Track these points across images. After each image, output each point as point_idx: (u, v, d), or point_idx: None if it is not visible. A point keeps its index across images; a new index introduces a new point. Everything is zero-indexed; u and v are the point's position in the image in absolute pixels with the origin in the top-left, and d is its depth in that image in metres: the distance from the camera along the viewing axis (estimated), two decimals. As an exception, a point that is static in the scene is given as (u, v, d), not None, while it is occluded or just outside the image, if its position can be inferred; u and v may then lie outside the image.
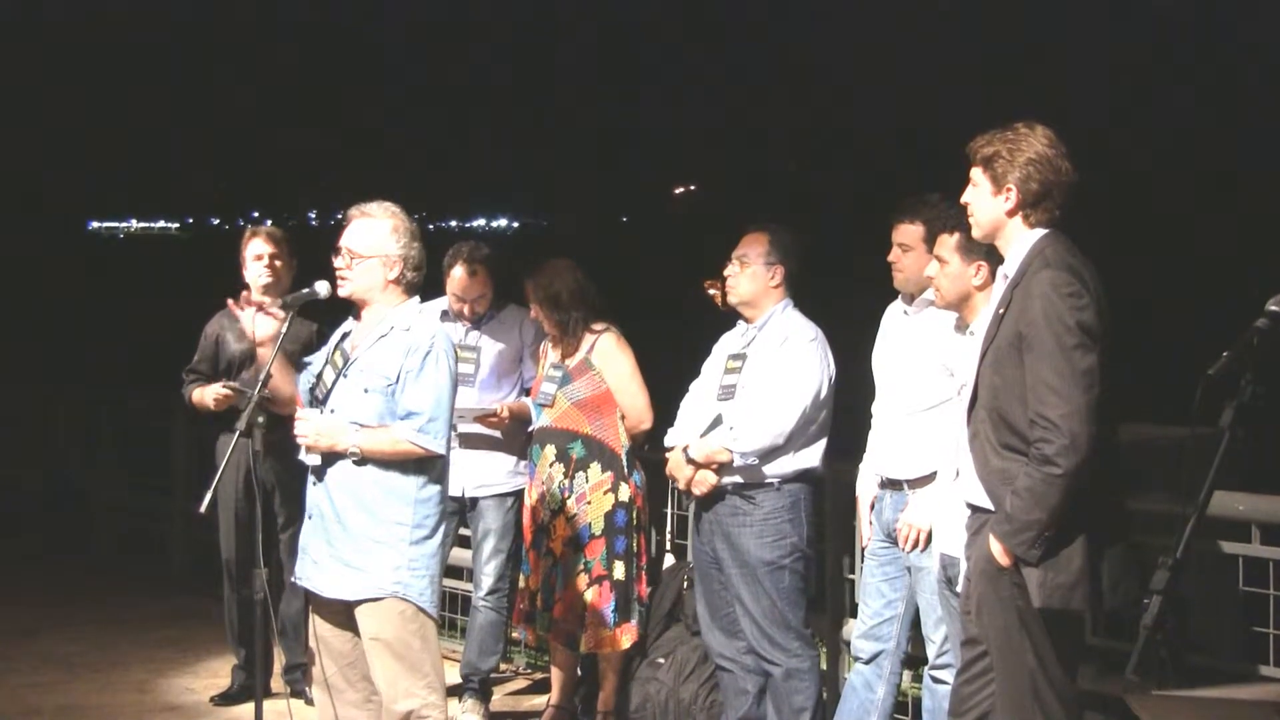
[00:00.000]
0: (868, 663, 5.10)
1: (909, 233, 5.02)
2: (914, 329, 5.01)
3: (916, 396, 4.90)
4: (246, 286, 6.28)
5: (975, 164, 4.00)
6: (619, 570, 5.75)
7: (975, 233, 4.08)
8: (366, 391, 4.52)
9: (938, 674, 4.84)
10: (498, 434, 6.09)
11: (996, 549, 3.78)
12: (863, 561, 5.29)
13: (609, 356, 5.81)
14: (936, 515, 4.58)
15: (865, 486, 5.18)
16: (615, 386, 5.79)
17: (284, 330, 4.67)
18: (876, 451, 5.12)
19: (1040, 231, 3.92)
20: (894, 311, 5.18)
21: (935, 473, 4.70)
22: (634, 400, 5.81)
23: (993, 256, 4.30)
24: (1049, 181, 3.90)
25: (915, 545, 4.81)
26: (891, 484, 5.01)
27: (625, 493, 5.78)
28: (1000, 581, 3.82)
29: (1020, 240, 3.94)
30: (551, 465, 5.80)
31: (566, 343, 5.82)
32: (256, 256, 6.22)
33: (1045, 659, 3.81)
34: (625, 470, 5.79)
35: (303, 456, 4.60)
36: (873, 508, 5.13)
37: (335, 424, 4.52)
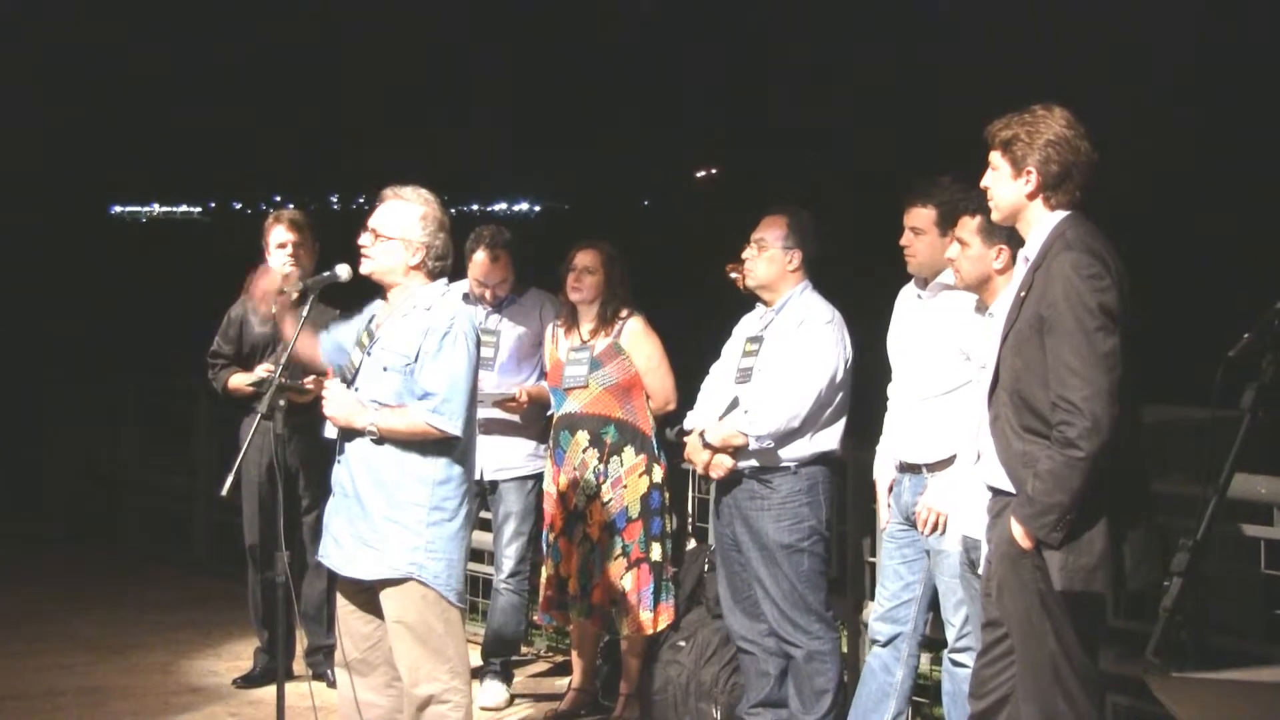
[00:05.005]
0: (885, 645, 5.10)
1: (921, 216, 5.01)
2: (928, 313, 5.00)
3: (932, 381, 4.89)
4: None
5: (994, 148, 3.98)
6: (656, 552, 5.77)
7: (995, 216, 4.07)
8: (386, 370, 4.53)
9: (957, 657, 4.84)
10: (516, 418, 6.10)
11: (1018, 531, 3.78)
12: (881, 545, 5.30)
13: (638, 340, 5.81)
14: (957, 498, 4.58)
15: (883, 470, 5.18)
16: (644, 369, 5.79)
17: (305, 314, 4.69)
18: (893, 435, 5.12)
19: (1061, 214, 3.90)
20: (907, 295, 5.16)
21: (953, 456, 4.69)
22: (662, 383, 5.82)
23: (1014, 240, 4.29)
24: (1069, 163, 3.88)
25: (934, 529, 4.81)
26: (910, 468, 5.01)
27: (658, 474, 5.80)
28: (1021, 564, 3.82)
29: (1041, 223, 3.92)
30: (585, 451, 5.79)
31: (597, 321, 5.81)
32: (279, 245, 6.22)
33: (1066, 641, 3.81)
34: (656, 452, 5.80)
35: (327, 430, 4.63)
36: (891, 491, 5.13)
37: (353, 400, 4.54)
